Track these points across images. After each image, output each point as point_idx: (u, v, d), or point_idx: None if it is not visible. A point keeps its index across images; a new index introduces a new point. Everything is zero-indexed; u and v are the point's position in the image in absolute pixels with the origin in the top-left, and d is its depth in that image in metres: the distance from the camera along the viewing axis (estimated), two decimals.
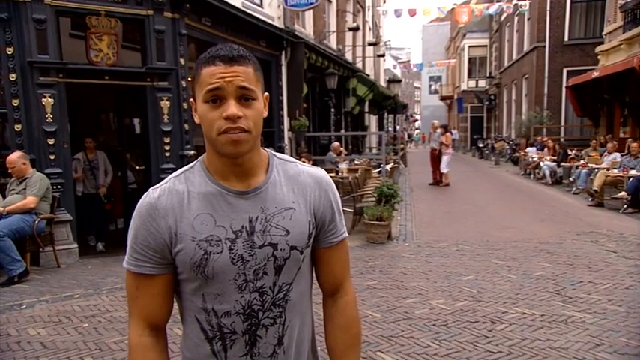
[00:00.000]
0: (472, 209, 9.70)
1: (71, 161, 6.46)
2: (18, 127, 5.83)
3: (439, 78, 49.31)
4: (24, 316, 4.32)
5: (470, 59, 32.64)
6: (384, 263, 5.94)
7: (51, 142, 5.97)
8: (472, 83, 32.56)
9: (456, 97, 36.71)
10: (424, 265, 5.77)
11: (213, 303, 1.15)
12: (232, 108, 1.08)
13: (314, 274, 1.32)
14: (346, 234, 1.33)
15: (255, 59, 1.16)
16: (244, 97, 1.11)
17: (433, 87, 51.22)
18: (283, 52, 10.61)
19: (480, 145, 26.03)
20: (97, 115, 9.11)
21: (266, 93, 1.19)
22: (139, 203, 1.18)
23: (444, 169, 13.32)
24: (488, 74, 30.28)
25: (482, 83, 31.79)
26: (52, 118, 5.93)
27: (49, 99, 5.90)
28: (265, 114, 1.18)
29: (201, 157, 1.23)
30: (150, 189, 1.20)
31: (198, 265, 1.13)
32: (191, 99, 1.19)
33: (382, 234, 6.99)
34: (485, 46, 31.47)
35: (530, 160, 15.49)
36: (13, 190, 5.60)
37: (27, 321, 4.19)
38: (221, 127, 1.09)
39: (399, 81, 24.06)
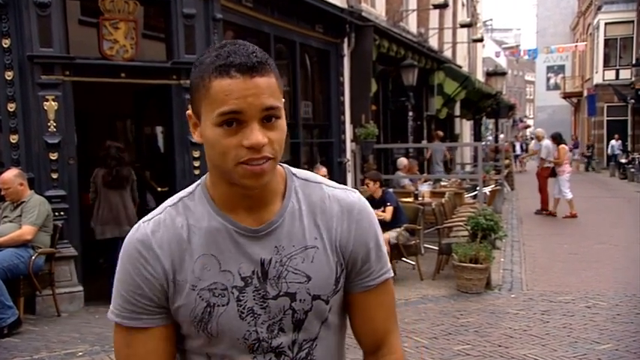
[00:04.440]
0: (609, 250, 9.44)
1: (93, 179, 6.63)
2: (14, 139, 6.16)
3: (561, 68, 47.97)
4: None
5: (607, 41, 31.45)
6: (481, 321, 5.87)
7: (53, 156, 6.25)
8: (610, 74, 31.28)
9: (585, 94, 35.56)
10: (538, 327, 5.65)
11: None
12: (257, 135, 1.10)
13: (348, 326, 1.35)
14: (390, 274, 1.34)
15: (273, 62, 1.16)
16: (267, 117, 1.12)
17: (552, 81, 49.89)
18: (346, 39, 10.69)
19: (622, 161, 24.98)
20: (111, 123, 9.54)
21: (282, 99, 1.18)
22: (126, 239, 1.20)
23: (566, 193, 12.82)
24: (634, 61, 28.99)
25: (625, 74, 30.48)
26: (55, 127, 6.22)
27: (53, 102, 6.21)
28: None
29: (203, 179, 1.25)
30: (140, 221, 1.22)
31: (200, 320, 1.16)
32: (189, 111, 1.20)
33: (478, 281, 6.90)
34: (631, 22, 30.21)
35: None
36: (5, 217, 5.88)
37: None
38: (241, 156, 1.11)
39: (504, 74, 23.63)
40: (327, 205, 1.25)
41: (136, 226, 1.21)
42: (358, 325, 1.33)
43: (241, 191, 1.17)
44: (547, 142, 13.51)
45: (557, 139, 13.27)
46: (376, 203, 7.71)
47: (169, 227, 1.18)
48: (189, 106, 1.20)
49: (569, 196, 12.82)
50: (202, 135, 1.16)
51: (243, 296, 1.17)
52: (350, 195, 1.30)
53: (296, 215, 1.22)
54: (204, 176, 1.26)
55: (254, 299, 1.17)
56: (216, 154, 1.13)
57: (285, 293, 1.18)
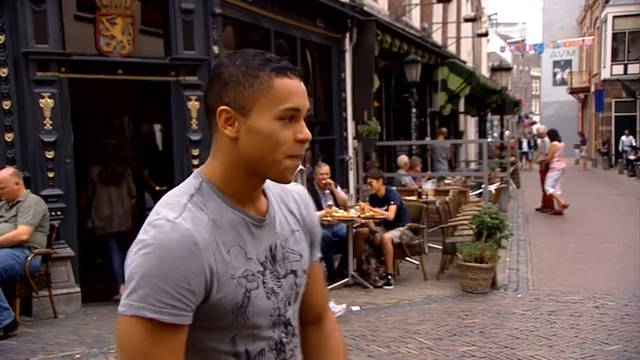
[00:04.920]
0: (617, 249, 9.46)
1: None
2: (9, 137, 6.17)
3: (568, 63, 47.88)
4: None
5: (615, 35, 31.37)
6: (487, 322, 5.89)
7: (50, 155, 6.27)
8: (618, 69, 31.21)
9: (593, 89, 35.47)
10: (545, 327, 5.67)
11: (246, 344, 1.33)
12: (307, 131, 1.31)
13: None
14: None
15: None
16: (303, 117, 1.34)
17: (559, 76, 49.81)
18: (348, 35, 10.68)
19: (631, 158, 24.99)
20: (109, 121, 9.55)
21: None
22: (163, 236, 1.19)
23: (547, 188, 13.28)
24: None
25: (633, 69, 30.42)
26: (51, 125, 6.24)
27: (48, 100, 6.22)
28: None
29: (201, 176, 1.34)
30: (167, 216, 1.23)
31: (240, 306, 1.29)
32: (224, 107, 1.28)
33: (484, 281, 6.92)
34: (639, 15, 30.19)
35: None
36: (1, 216, 5.89)
37: None
38: (292, 151, 1.29)
39: (509, 69, 23.59)
40: (286, 194, 1.50)
41: (163, 221, 1.22)
42: (308, 294, 1.53)
43: (256, 184, 1.36)
44: (548, 139, 13.83)
45: (550, 135, 13.57)
46: (380, 201, 7.70)
47: (200, 222, 1.25)
48: (220, 102, 1.29)
49: (550, 190, 13.18)
50: (251, 128, 1.27)
51: (265, 279, 1.35)
52: (294, 184, 1.53)
53: (277, 204, 1.45)
54: (199, 173, 1.35)
55: (272, 280, 1.37)
56: (270, 145, 1.27)
57: (290, 271, 1.42)
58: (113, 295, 6.54)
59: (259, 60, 1.28)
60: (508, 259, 8.64)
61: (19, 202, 5.83)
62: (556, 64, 50.12)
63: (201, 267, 1.21)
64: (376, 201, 7.78)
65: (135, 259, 1.19)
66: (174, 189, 1.34)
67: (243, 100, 1.27)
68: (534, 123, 58.59)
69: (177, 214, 1.23)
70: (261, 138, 1.26)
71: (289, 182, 1.38)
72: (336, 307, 6.02)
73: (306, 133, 1.29)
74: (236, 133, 1.28)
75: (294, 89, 1.28)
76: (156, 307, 1.17)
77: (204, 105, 1.42)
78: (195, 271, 1.20)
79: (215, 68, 1.35)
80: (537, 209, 13.85)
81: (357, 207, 7.68)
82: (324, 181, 7.82)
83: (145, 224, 1.25)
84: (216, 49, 7.20)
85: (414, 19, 15.76)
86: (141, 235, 1.23)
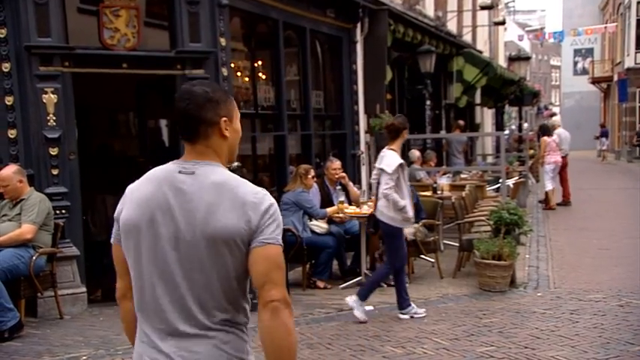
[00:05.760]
0: None
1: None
2: (12, 133, 6.23)
3: (589, 52, 47.52)
4: None
5: None
6: (506, 321, 5.89)
7: (53, 151, 6.32)
8: None
9: (616, 78, 35.22)
10: (567, 327, 5.66)
11: None
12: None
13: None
14: None
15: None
16: None
17: (580, 65, 49.47)
18: (359, 25, 10.68)
19: None
20: (113, 116, 9.61)
21: None
22: (273, 200, 2.01)
23: (546, 184, 13.72)
24: None
25: None
26: (55, 121, 6.29)
27: (52, 95, 6.26)
28: None
29: (212, 162, 2.05)
30: (264, 190, 2.03)
31: None
32: (224, 118, 2.04)
33: (502, 279, 6.92)
34: None
35: None
36: (4, 215, 5.96)
37: None
38: None
39: (527, 58, 23.44)
40: None
41: (268, 194, 2.01)
42: None
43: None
44: (560, 131, 14.03)
45: (541, 130, 14.43)
46: None
47: None
48: (219, 116, 2.02)
49: (549, 187, 13.51)
50: (235, 129, 2.10)
51: None
52: None
53: None
54: (211, 160, 2.03)
55: None
56: (239, 138, 2.15)
57: None
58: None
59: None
60: (527, 256, 8.63)
61: (22, 200, 5.89)
62: (577, 52, 49.76)
63: None
64: None
65: (274, 211, 1.97)
66: (233, 175, 2.01)
67: (230, 112, 2.07)
68: (554, 114, 58.14)
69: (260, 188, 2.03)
70: (238, 134, 2.13)
71: None
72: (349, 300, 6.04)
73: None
74: (228, 134, 2.05)
75: None
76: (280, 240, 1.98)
77: (197, 120, 1.98)
78: None
79: (204, 94, 2.00)
80: (558, 204, 13.87)
81: (370, 203, 7.68)
82: (337, 175, 7.83)
83: (259, 193, 1.97)
84: (223, 41, 7.23)
85: (428, 7, 15.71)
86: (269, 198, 1.97)
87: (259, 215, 1.91)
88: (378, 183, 6.09)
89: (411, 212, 6.03)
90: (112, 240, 2.09)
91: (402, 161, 6.01)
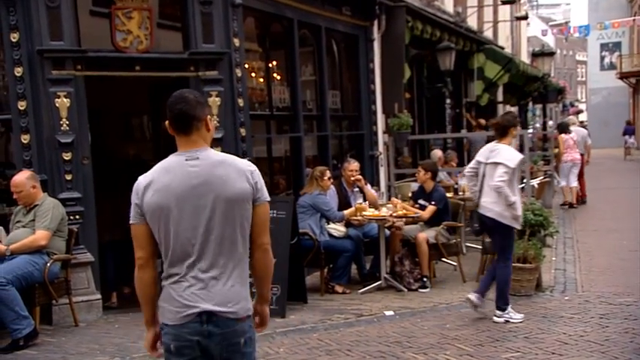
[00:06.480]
0: None
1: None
2: (25, 138, 6.31)
3: (617, 46, 47.03)
4: None
5: None
6: (532, 326, 5.87)
7: (67, 156, 6.40)
8: None
9: None
10: (597, 332, 5.63)
11: None
12: None
13: None
14: None
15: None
16: None
17: (607, 60, 48.96)
18: (376, 22, 10.69)
19: None
20: (127, 120, 9.69)
21: None
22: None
23: (560, 181, 14.12)
24: None
25: None
26: (68, 125, 6.38)
27: (64, 99, 6.35)
28: None
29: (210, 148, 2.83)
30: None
31: None
32: (209, 115, 2.79)
33: (527, 282, 6.91)
34: None
35: None
36: (18, 221, 6.05)
37: None
38: None
39: (552, 54, 23.27)
40: None
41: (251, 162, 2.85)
42: None
43: None
44: (577, 129, 14.41)
45: (558, 128, 14.66)
46: (424, 196, 7.71)
47: None
48: (205, 114, 2.75)
49: (563, 183, 13.88)
50: (211, 124, 2.79)
51: None
52: None
53: None
54: (204, 147, 2.73)
55: None
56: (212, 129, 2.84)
57: None
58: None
59: None
60: (554, 258, 8.57)
61: (36, 206, 5.96)
62: (604, 47, 49.25)
63: None
64: (422, 194, 7.82)
65: (260, 175, 2.77)
66: (226, 154, 2.92)
67: (209, 112, 2.83)
68: (580, 111, 57.77)
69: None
70: (213, 128, 2.82)
71: None
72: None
73: None
74: (210, 127, 2.78)
75: None
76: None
77: (191, 117, 2.67)
78: None
79: (195, 98, 2.73)
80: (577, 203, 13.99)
81: (389, 205, 7.70)
82: (353, 178, 7.85)
83: (250, 164, 2.76)
84: (236, 41, 7.28)
85: (447, 3, 15.66)
86: (255, 167, 2.75)
87: (256, 179, 2.71)
88: (473, 175, 6.27)
89: (520, 210, 6.07)
90: (131, 221, 2.71)
91: (523, 156, 6.08)
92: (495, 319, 6.01)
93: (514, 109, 25.27)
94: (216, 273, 2.63)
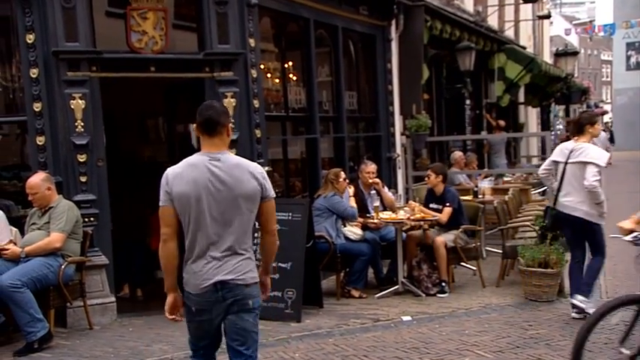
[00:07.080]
0: None
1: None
2: (40, 140, 6.40)
3: None
4: None
5: None
6: (554, 333, 5.85)
7: (82, 158, 6.48)
8: None
9: None
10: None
11: None
12: None
13: None
14: None
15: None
16: None
17: (633, 59, 48.51)
18: (394, 22, 10.69)
19: None
20: (142, 122, 9.79)
21: None
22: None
23: None
24: None
25: None
26: (83, 127, 6.46)
27: (80, 101, 6.44)
28: None
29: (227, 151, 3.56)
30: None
31: None
32: (229, 123, 3.53)
33: (549, 288, 6.89)
34: None
35: None
36: (33, 223, 6.13)
37: None
38: None
39: (575, 53, 23.15)
40: None
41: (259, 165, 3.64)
42: None
43: None
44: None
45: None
46: (436, 199, 7.68)
47: None
48: (228, 121, 3.49)
49: None
50: (230, 130, 3.51)
51: None
52: None
53: None
54: (224, 150, 3.44)
55: None
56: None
57: None
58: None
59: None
60: None
61: (51, 208, 6.04)
62: (630, 46, 48.79)
63: None
64: (432, 198, 7.77)
65: (266, 175, 3.50)
66: (242, 158, 3.58)
67: (229, 121, 3.54)
68: (605, 112, 57.29)
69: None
70: (231, 133, 3.57)
71: None
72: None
73: None
74: (230, 133, 3.49)
75: None
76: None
77: (217, 123, 3.38)
78: None
79: (220, 107, 3.56)
80: None
81: (407, 208, 7.69)
82: (370, 180, 7.86)
83: (259, 167, 3.51)
84: (252, 42, 7.33)
85: (467, 2, 15.63)
86: (262, 169, 3.52)
87: (264, 181, 3.41)
88: (549, 175, 6.49)
89: (606, 207, 6.23)
90: (161, 203, 3.37)
91: (609, 154, 6.15)
92: (574, 301, 6.12)
93: (535, 111, 25.17)
94: (229, 253, 3.34)
